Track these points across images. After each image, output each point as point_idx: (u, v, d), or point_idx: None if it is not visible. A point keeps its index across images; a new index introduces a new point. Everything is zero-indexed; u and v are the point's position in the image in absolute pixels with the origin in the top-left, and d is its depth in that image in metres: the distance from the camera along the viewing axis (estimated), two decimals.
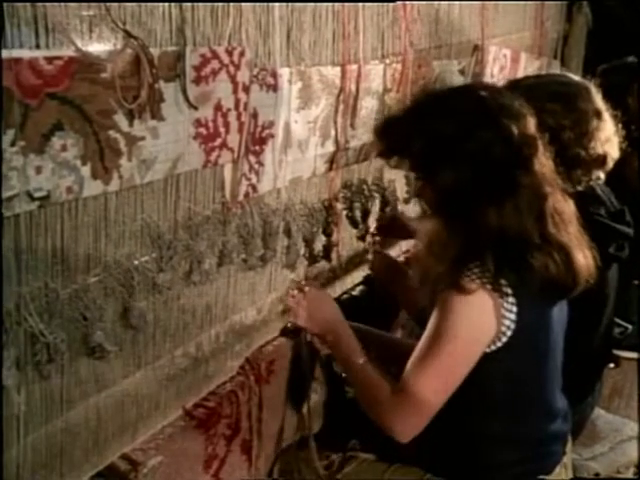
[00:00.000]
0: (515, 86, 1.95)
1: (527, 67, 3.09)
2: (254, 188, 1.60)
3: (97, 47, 1.15)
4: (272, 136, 1.62)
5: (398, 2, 1.99)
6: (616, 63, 2.75)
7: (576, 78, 2.15)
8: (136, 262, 1.34)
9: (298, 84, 1.66)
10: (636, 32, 3.28)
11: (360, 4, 1.82)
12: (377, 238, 2.08)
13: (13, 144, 1.04)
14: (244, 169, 1.55)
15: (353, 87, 1.85)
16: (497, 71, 2.76)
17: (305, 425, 1.88)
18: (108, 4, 1.15)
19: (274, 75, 1.57)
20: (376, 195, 2.15)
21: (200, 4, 1.33)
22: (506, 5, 2.82)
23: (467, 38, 2.51)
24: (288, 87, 1.62)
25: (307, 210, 1.84)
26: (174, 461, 1.49)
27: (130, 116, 1.23)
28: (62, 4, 1.08)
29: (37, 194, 1.10)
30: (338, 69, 1.79)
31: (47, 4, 1.05)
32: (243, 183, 1.56)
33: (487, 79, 2.63)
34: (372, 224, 2.15)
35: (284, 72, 1.60)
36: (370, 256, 2.06)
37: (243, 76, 1.46)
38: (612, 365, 2.49)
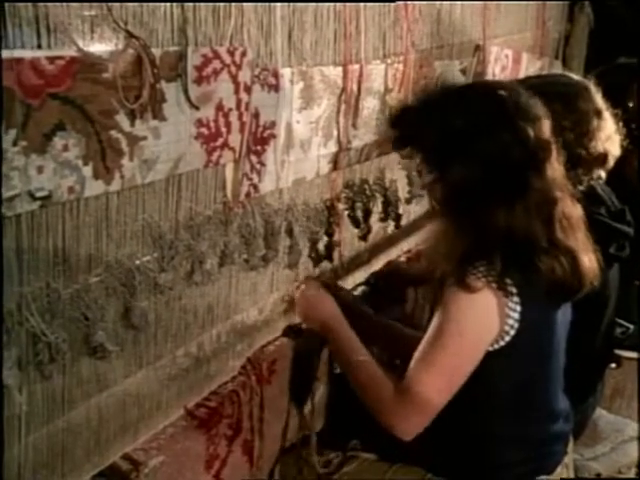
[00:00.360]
0: None
1: (529, 67, 3.09)
2: (256, 188, 1.60)
3: (99, 47, 1.15)
4: (274, 136, 1.62)
5: (400, 2, 1.99)
6: (612, 64, 2.75)
7: (576, 78, 2.15)
8: (138, 262, 1.34)
9: (300, 84, 1.66)
10: (638, 32, 3.27)
11: (362, 4, 1.82)
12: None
13: (15, 144, 1.04)
14: (246, 169, 1.55)
15: (355, 87, 1.85)
16: (499, 71, 2.75)
17: (307, 425, 1.88)
18: (110, 4, 1.15)
19: (276, 75, 1.57)
20: (378, 195, 2.15)
21: (202, 4, 1.33)
22: (508, 5, 2.82)
23: (469, 38, 2.51)
24: (290, 87, 1.62)
25: (309, 210, 1.84)
26: (175, 461, 1.49)
27: (132, 116, 1.23)
28: (64, 4, 1.08)
29: (39, 194, 1.10)
30: (340, 69, 1.79)
31: (49, 4, 1.05)
32: (245, 183, 1.56)
33: (488, 79, 2.63)
34: (374, 224, 2.15)
35: (286, 72, 1.60)
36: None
37: (245, 76, 1.46)
38: (614, 365, 2.49)
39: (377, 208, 2.16)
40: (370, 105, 1.95)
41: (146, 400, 1.47)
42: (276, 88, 1.58)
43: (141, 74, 1.22)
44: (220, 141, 1.45)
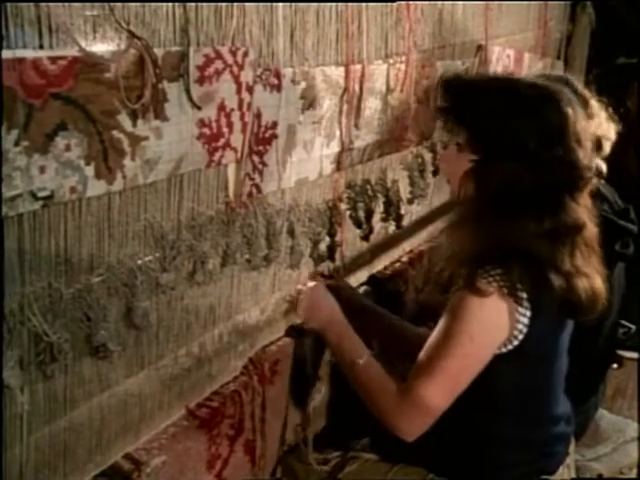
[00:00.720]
0: None
1: (530, 67, 3.08)
2: (258, 188, 1.60)
3: (101, 47, 1.15)
4: (276, 136, 1.62)
5: (402, 2, 1.99)
6: (613, 65, 2.75)
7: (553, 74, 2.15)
8: (139, 262, 1.34)
9: (302, 84, 1.66)
10: (639, 32, 3.27)
11: (364, 4, 1.82)
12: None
13: (17, 144, 1.04)
14: (248, 169, 1.55)
15: (357, 87, 1.85)
16: (500, 71, 2.75)
17: (308, 425, 1.88)
18: (112, 4, 1.15)
19: (278, 75, 1.57)
20: (380, 195, 2.15)
21: (204, 4, 1.33)
22: (509, 5, 2.82)
23: (470, 38, 2.50)
24: (292, 87, 1.62)
25: (311, 210, 1.84)
26: (177, 461, 1.49)
27: (134, 116, 1.23)
28: (66, 4, 1.08)
29: (41, 194, 1.10)
30: (342, 69, 1.79)
31: (51, 4, 1.05)
32: (247, 183, 1.56)
33: None
34: (376, 224, 2.14)
35: (288, 72, 1.60)
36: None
37: (247, 76, 1.46)
38: (615, 365, 2.49)
39: (379, 208, 2.16)
40: (372, 105, 1.95)
41: (148, 400, 1.47)
42: (278, 88, 1.58)
43: (143, 74, 1.22)
44: (222, 141, 1.45)
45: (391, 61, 2.00)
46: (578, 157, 1.48)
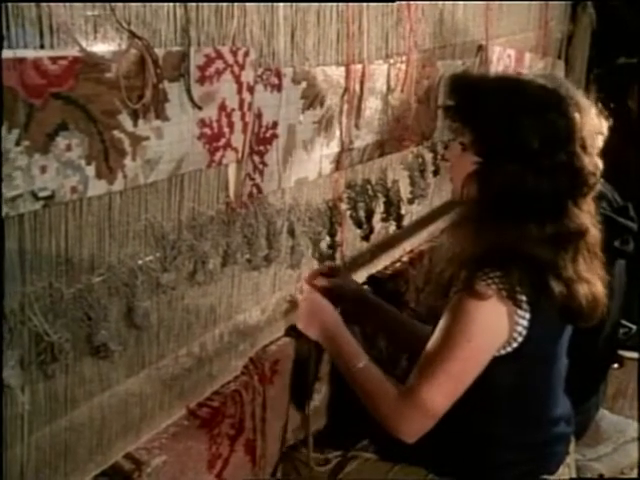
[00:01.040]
0: None
1: (531, 67, 3.08)
2: (258, 188, 1.60)
3: (102, 47, 1.15)
4: (276, 136, 1.62)
5: (403, 2, 1.99)
6: (613, 65, 2.75)
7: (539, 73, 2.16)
8: (140, 262, 1.35)
9: (302, 84, 1.66)
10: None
11: (364, 4, 1.82)
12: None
13: (18, 144, 1.04)
14: (248, 169, 1.56)
15: (357, 87, 1.85)
16: (501, 71, 2.75)
17: (309, 425, 1.88)
18: (113, 4, 1.15)
19: (278, 75, 1.57)
20: (380, 195, 2.15)
21: (205, 4, 1.33)
22: (510, 5, 2.82)
23: (471, 38, 2.50)
24: (292, 87, 1.62)
25: (311, 210, 1.84)
26: (178, 461, 1.49)
27: (134, 116, 1.23)
28: (67, 4, 1.08)
29: (41, 194, 1.10)
30: (342, 69, 1.79)
31: (52, 4, 1.06)
32: (247, 183, 1.56)
33: None
34: (376, 224, 2.14)
35: (288, 72, 1.60)
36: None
37: (247, 76, 1.46)
38: (616, 365, 2.49)
39: (379, 208, 2.16)
40: (373, 105, 1.95)
41: (149, 400, 1.47)
42: (279, 88, 1.58)
43: (144, 74, 1.22)
44: (223, 141, 1.45)
45: (392, 61, 2.00)
46: (583, 163, 1.48)
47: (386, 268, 2.34)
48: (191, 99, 1.33)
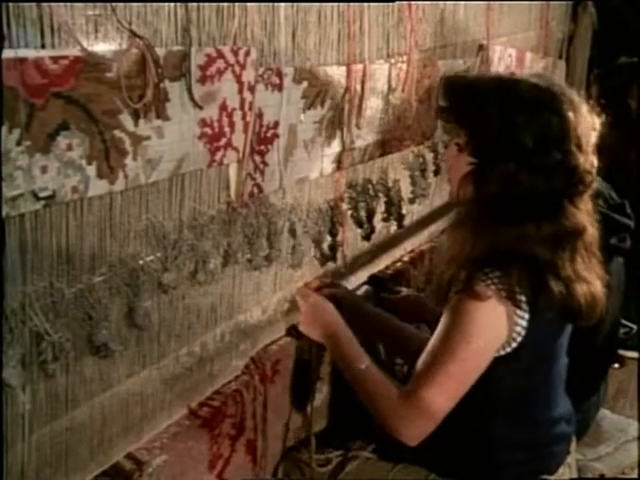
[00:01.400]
0: None
1: (532, 67, 3.08)
2: (259, 188, 1.60)
3: (103, 47, 1.15)
4: (277, 136, 1.62)
5: (404, 2, 1.99)
6: (614, 64, 2.75)
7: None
8: (141, 262, 1.35)
9: (303, 84, 1.66)
10: None
11: (365, 4, 1.82)
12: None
13: (19, 143, 1.04)
14: (249, 169, 1.55)
15: (358, 87, 1.85)
16: (502, 71, 2.75)
17: (310, 425, 1.88)
18: (114, 4, 1.15)
19: (279, 75, 1.57)
20: (381, 195, 2.15)
21: (206, 4, 1.33)
22: (511, 5, 2.82)
23: (472, 38, 2.50)
24: (293, 87, 1.62)
25: (312, 210, 1.84)
26: (179, 460, 1.49)
27: (135, 116, 1.23)
28: (68, 4, 1.08)
29: (42, 194, 1.10)
30: (343, 69, 1.79)
31: (53, 4, 1.05)
32: (248, 183, 1.56)
33: None
34: (377, 224, 2.14)
35: (289, 72, 1.60)
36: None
37: (248, 76, 1.46)
38: (617, 365, 2.49)
39: (380, 208, 2.16)
40: (374, 105, 1.95)
41: (149, 399, 1.47)
42: (280, 88, 1.58)
43: (145, 74, 1.22)
44: (224, 141, 1.45)
45: (393, 61, 2.00)
46: (578, 161, 1.48)
47: (387, 268, 2.33)
48: (192, 99, 1.33)
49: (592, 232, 1.54)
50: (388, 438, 1.56)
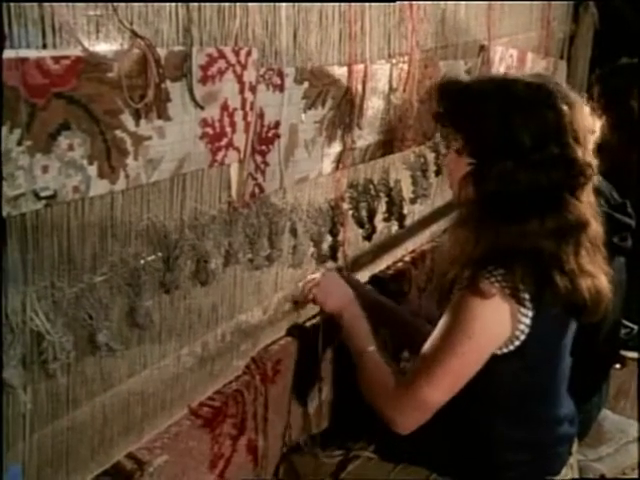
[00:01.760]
0: None
1: (533, 67, 3.08)
2: (260, 188, 1.60)
3: (104, 47, 1.15)
4: (278, 136, 1.62)
5: (405, 2, 1.99)
6: (615, 65, 2.74)
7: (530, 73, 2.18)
8: (142, 261, 1.35)
9: (304, 84, 1.66)
10: None
11: (367, 4, 1.82)
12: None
13: (20, 143, 1.04)
14: (250, 169, 1.56)
15: (359, 87, 1.85)
16: (503, 71, 2.75)
17: (311, 425, 1.89)
18: (115, 4, 1.15)
19: (280, 75, 1.57)
20: (382, 195, 2.15)
21: (207, 4, 1.33)
22: (512, 5, 2.82)
23: (473, 38, 2.50)
24: (294, 87, 1.62)
25: (313, 210, 1.84)
26: (180, 460, 1.49)
27: (137, 116, 1.23)
28: (69, 4, 1.08)
29: (43, 193, 1.10)
30: (344, 69, 1.79)
31: (54, 4, 1.06)
32: (249, 183, 1.56)
33: None
34: (378, 224, 2.14)
35: (290, 72, 1.60)
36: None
37: (250, 76, 1.46)
38: (618, 366, 2.48)
39: (381, 208, 2.16)
40: (375, 105, 1.95)
41: (150, 399, 1.47)
42: (281, 88, 1.58)
43: (146, 74, 1.22)
44: (225, 141, 1.45)
45: (394, 61, 2.00)
46: (577, 154, 1.47)
47: (388, 268, 2.34)
48: (193, 99, 1.33)
49: (596, 226, 1.54)
50: (389, 438, 1.56)
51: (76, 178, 1.15)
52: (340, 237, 1.98)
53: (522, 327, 1.48)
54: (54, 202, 1.13)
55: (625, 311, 2.28)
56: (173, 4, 1.26)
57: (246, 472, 1.73)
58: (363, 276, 2.20)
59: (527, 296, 1.45)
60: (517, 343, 1.50)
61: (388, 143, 2.07)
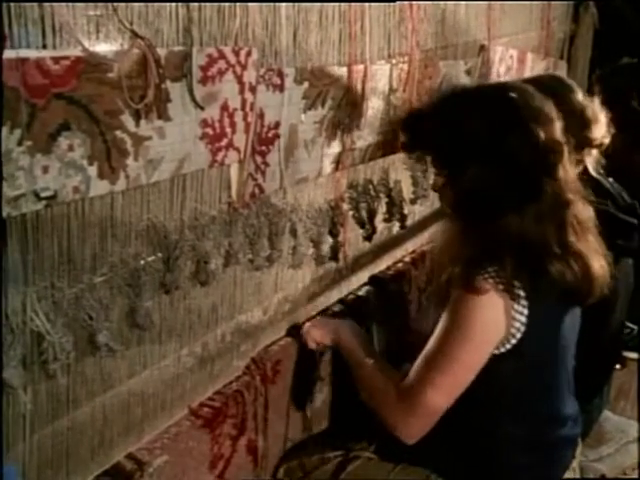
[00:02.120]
0: None
1: (533, 67, 3.08)
2: (260, 188, 1.60)
3: (104, 47, 1.15)
4: (278, 136, 1.62)
5: (405, 2, 1.99)
6: (616, 65, 2.74)
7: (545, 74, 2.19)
8: (142, 262, 1.35)
9: (304, 84, 1.66)
10: None
11: (367, 4, 1.82)
12: None
13: (20, 144, 1.04)
14: (250, 169, 1.55)
15: (359, 87, 1.85)
16: (503, 71, 2.75)
17: (311, 425, 1.88)
18: (115, 4, 1.15)
19: (280, 75, 1.57)
20: (382, 195, 2.15)
21: (207, 4, 1.33)
22: (512, 5, 2.82)
23: (473, 38, 2.50)
24: (294, 87, 1.62)
25: (313, 210, 1.84)
26: (180, 461, 1.49)
27: (137, 116, 1.23)
28: (69, 4, 1.08)
29: (44, 194, 1.10)
30: (344, 69, 1.79)
31: (54, 4, 1.05)
32: (249, 183, 1.56)
33: (493, 79, 2.63)
34: (378, 224, 2.14)
35: (290, 72, 1.60)
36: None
37: (250, 76, 1.46)
38: (618, 366, 2.48)
39: (381, 208, 2.16)
40: (374, 105, 1.95)
41: (150, 400, 1.47)
42: (281, 88, 1.58)
43: (146, 74, 1.22)
44: (225, 141, 1.45)
45: (394, 61, 2.00)
46: (538, 134, 1.48)
47: (388, 268, 2.34)
48: (193, 99, 1.33)
49: (581, 208, 1.55)
50: (389, 438, 1.56)
51: (76, 178, 1.15)
52: (340, 238, 1.98)
53: (517, 325, 1.48)
54: (54, 202, 1.13)
55: (627, 312, 2.28)
56: (173, 4, 1.26)
57: (246, 472, 1.73)
58: (363, 277, 2.20)
59: (522, 293, 1.46)
60: (513, 342, 1.50)
61: (388, 143, 2.07)
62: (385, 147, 2.07)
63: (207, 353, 1.59)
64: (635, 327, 2.62)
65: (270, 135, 1.59)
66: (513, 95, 1.52)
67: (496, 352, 1.51)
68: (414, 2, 2.03)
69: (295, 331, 1.86)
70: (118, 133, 1.20)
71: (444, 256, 1.56)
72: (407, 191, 2.27)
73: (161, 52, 1.24)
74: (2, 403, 1.12)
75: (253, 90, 1.48)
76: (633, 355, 2.59)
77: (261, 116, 1.54)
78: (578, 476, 1.77)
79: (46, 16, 1.05)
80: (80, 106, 1.12)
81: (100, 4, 1.13)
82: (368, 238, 2.13)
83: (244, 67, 1.44)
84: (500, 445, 1.61)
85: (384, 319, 2.15)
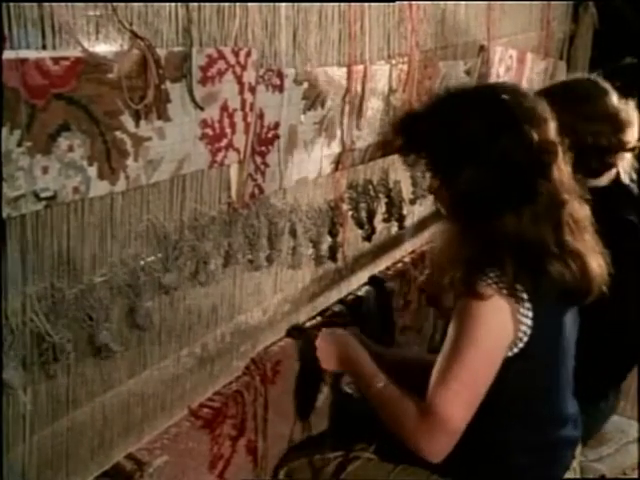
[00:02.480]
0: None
1: (533, 68, 3.08)
2: (260, 188, 1.60)
3: (104, 47, 1.15)
4: (278, 137, 1.62)
5: (404, 2, 1.99)
6: (617, 65, 2.74)
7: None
8: (142, 262, 1.35)
9: (304, 85, 1.66)
10: None
11: (366, 4, 1.82)
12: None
13: (20, 144, 1.04)
14: (250, 169, 1.55)
15: (359, 88, 1.85)
16: (503, 72, 2.75)
17: (311, 426, 1.88)
18: (115, 4, 1.15)
19: (280, 75, 1.57)
20: (382, 196, 2.15)
21: (206, 4, 1.33)
22: (512, 5, 2.82)
23: (473, 38, 2.50)
24: (294, 88, 1.62)
25: (312, 211, 1.84)
26: (179, 461, 1.49)
27: (136, 116, 1.23)
28: (69, 4, 1.08)
29: (43, 194, 1.10)
30: (344, 70, 1.79)
31: (54, 4, 1.06)
32: (249, 183, 1.56)
33: (493, 80, 2.63)
34: (378, 224, 2.14)
35: (290, 72, 1.60)
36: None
37: (249, 77, 1.46)
38: None
39: (381, 209, 2.16)
40: (374, 106, 1.95)
41: (150, 400, 1.47)
42: (280, 88, 1.58)
43: (146, 74, 1.22)
44: (225, 142, 1.45)
45: (393, 62, 2.00)
46: (532, 136, 1.48)
47: (388, 268, 2.34)
48: (193, 100, 1.33)
49: (577, 207, 1.55)
50: (389, 439, 1.56)
51: (76, 179, 1.15)
52: (340, 238, 1.98)
53: (524, 328, 1.47)
54: (54, 203, 1.13)
55: None
56: (173, 4, 1.26)
57: (246, 473, 1.73)
58: (362, 277, 2.20)
59: (525, 296, 1.45)
60: (521, 345, 1.49)
61: (388, 144, 2.07)
62: (385, 147, 2.07)
63: (207, 353, 1.59)
64: None
65: (270, 135, 1.59)
66: (505, 96, 1.52)
67: (504, 356, 1.50)
68: (414, 2, 2.03)
69: (295, 332, 1.86)
70: (118, 134, 1.20)
71: (443, 257, 1.56)
72: (406, 191, 2.27)
73: (161, 52, 1.24)
74: (2, 403, 1.12)
75: (253, 90, 1.48)
76: None
77: (261, 116, 1.54)
78: (578, 476, 1.76)
79: (46, 16, 1.05)
80: (80, 107, 1.12)
81: (100, 4, 1.13)
82: (367, 238, 2.13)
83: (244, 67, 1.44)
84: (501, 445, 1.61)
85: (384, 319, 2.16)
